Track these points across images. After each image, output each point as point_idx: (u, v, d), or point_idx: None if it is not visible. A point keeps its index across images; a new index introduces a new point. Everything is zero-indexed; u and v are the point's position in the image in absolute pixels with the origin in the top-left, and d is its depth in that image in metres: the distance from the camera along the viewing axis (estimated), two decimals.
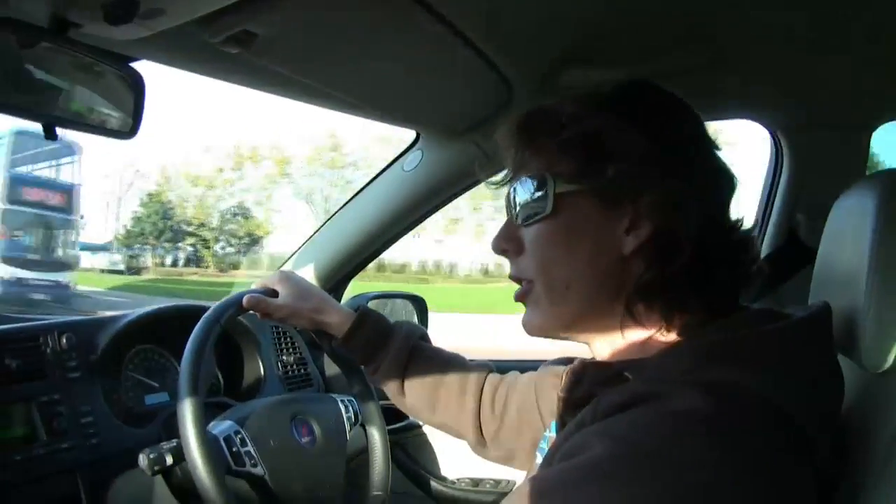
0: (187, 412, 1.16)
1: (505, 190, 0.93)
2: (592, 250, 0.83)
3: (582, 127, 0.83)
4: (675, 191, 0.79)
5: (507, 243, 0.91)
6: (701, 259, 0.79)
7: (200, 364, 1.21)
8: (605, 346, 0.87)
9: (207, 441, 1.17)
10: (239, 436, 1.28)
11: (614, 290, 0.82)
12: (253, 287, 1.37)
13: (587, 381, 0.86)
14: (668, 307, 0.81)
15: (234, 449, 1.26)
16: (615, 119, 0.82)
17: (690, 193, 0.80)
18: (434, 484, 2.07)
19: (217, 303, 1.31)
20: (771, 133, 1.80)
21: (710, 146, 0.86)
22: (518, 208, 0.88)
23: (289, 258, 2.10)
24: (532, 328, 0.90)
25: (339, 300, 2.02)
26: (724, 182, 0.85)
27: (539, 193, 0.85)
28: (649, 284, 0.80)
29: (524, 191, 0.87)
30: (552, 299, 0.86)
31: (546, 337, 0.90)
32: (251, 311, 1.33)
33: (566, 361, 1.03)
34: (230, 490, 1.17)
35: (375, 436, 1.47)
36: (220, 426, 1.29)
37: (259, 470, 1.27)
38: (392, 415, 1.49)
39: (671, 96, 0.87)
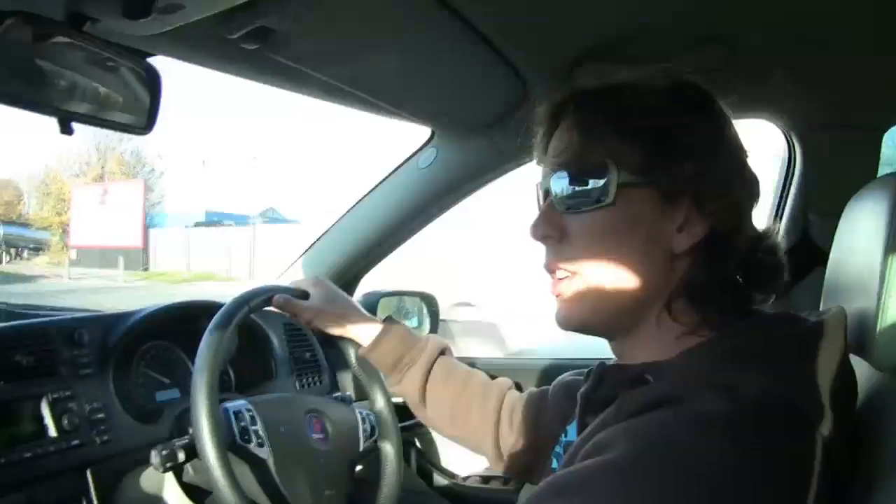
0: (201, 380, 1.17)
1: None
2: (645, 244, 0.82)
3: (652, 119, 0.83)
4: (735, 193, 0.82)
5: (552, 230, 0.88)
6: (747, 263, 0.81)
7: (223, 338, 1.22)
8: (636, 341, 0.87)
9: (216, 410, 1.17)
10: (250, 413, 1.26)
11: (659, 285, 0.83)
12: (285, 285, 1.38)
13: (609, 383, 0.85)
14: (706, 308, 0.81)
15: (242, 423, 1.24)
16: (684, 114, 0.83)
17: (741, 199, 0.83)
18: (444, 481, 2.08)
19: (247, 289, 1.32)
20: (784, 133, 1.80)
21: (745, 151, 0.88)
22: (563, 194, 0.86)
23: (303, 253, 2.10)
24: (569, 321, 0.88)
25: (352, 296, 2.01)
26: (756, 188, 0.87)
27: (598, 182, 0.83)
28: (697, 284, 0.81)
29: (574, 177, 0.85)
30: (596, 291, 0.84)
31: (582, 331, 0.89)
32: (279, 311, 1.34)
33: (580, 374, 1.02)
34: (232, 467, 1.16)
35: (390, 454, 1.45)
36: (233, 402, 1.28)
37: (264, 452, 1.25)
38: (404, 412, 1.48)
39: (716, 100, 0.88)
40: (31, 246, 34.55)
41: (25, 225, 37.02)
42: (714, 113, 0.85)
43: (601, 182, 0.83)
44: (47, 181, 37.51)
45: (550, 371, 1.95)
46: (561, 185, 0.86)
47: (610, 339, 0.90)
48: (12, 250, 33.30)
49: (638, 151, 0.82)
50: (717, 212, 0.80)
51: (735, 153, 0.85)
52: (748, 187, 0.85)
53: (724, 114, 0.87)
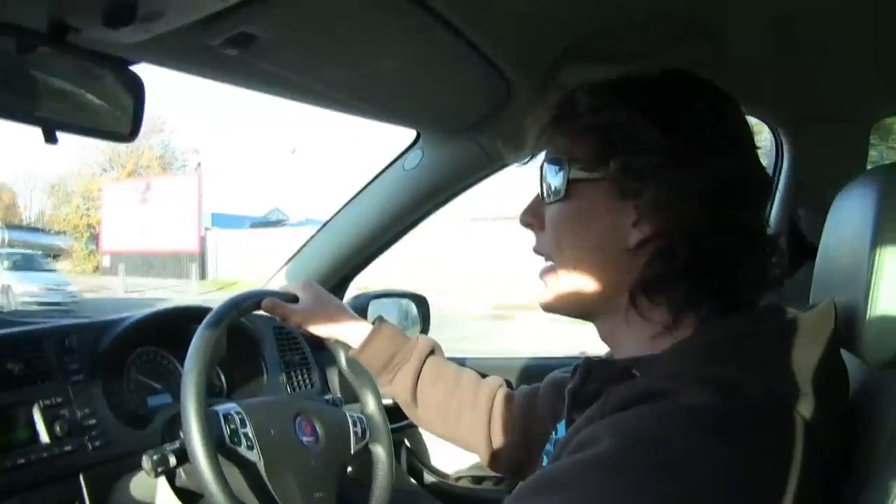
0: (191, 381, 1.18)
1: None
2: (601, 238, 0.85)
3: (598, 117, 0.84)
4: (680, 191, 0.79)
5: (532, 218, 0.94)
6: (710, 260, 0.79)
7: (212, 338, 1.23)
8: (609, 333, 0.90)
9: (205, 411, 1.18)
10: (239, 416, 1.27)
11: (619, 279, 0.84)
12: (275, 289, 1.38)
13: (595, 378, 0.87)
14: (676, 304, 0.81)
15: (231, 426, 1.25)
16: (631, 111, 0.82)
17: (699, 195, 0.79)
18: (436, 480, 2.08)
19: (236, 293, 1.33)
20: (771, 128, 1.80)
21: (740, 144, 0.85)
22: (544, 186, 0.91)
23: (291, 258, 2.09)
24: (543, 303, 0.93)
25: (342, 299, 2.00)
26: (748, 183, 0.84)
27: (558, 176, 0.87)
28: (649, 281, 0.82)
29: (548, 170, 0.89)
30: (567, 282, 0.88)
31: (557, 313, 0.93)
32: (269, 314, 1.35)
33: (569, 371, 1.04)
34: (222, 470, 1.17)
35: (382, 457, 1.46)
36: (222, 405, 1.29)
37: (253, 455, 1.25)
38: (395, 413, 1.49)
39: (705, 89, 0.87)
40: (40, 253, 33.30)
41: (36, 229, 35.76)
42: (669, 106, 0.83)
43: (559, 176, 0.87)
44: (60, 179, 35.76)
45: (540, 369, 1.94)
46: (541, 178, 0.91)
47: (592, 323, 0.93)
48: None
49: (586, 148, 0.85)
50: (661, 211, 0.80)
51: (698, 147, 0.81)
52: (717, 182, 0.80)
53: (700, 114, 0.84)
